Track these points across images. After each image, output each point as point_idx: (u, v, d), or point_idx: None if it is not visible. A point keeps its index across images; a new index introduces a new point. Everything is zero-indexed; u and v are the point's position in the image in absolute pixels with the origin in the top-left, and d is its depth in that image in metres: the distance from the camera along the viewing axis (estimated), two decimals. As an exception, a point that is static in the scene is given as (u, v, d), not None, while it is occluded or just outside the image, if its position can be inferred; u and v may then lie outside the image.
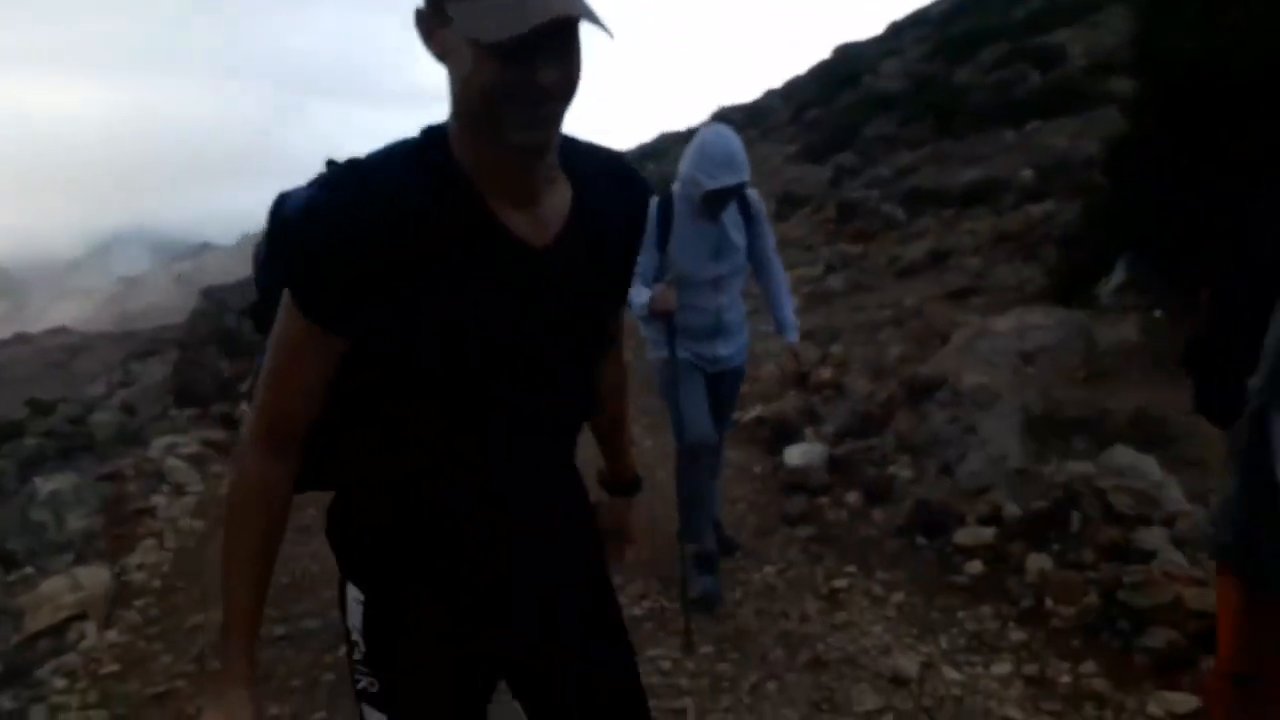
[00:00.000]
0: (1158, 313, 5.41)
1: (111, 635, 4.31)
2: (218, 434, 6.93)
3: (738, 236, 3.77)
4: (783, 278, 3.99)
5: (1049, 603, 3.60)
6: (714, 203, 3.60)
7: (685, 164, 3.62)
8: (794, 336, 3.98)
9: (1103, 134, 8.47)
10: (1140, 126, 5.71)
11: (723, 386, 3.99)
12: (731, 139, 3.55)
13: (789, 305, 4.00)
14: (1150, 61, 5.69)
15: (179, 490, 5.89)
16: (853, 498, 4.76)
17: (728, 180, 3.46)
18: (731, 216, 3.74)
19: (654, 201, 3.42)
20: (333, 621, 4.18)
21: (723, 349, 3.88)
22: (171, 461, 6.17)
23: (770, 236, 3.92)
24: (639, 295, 3.53)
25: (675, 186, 3.71)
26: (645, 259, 3.50)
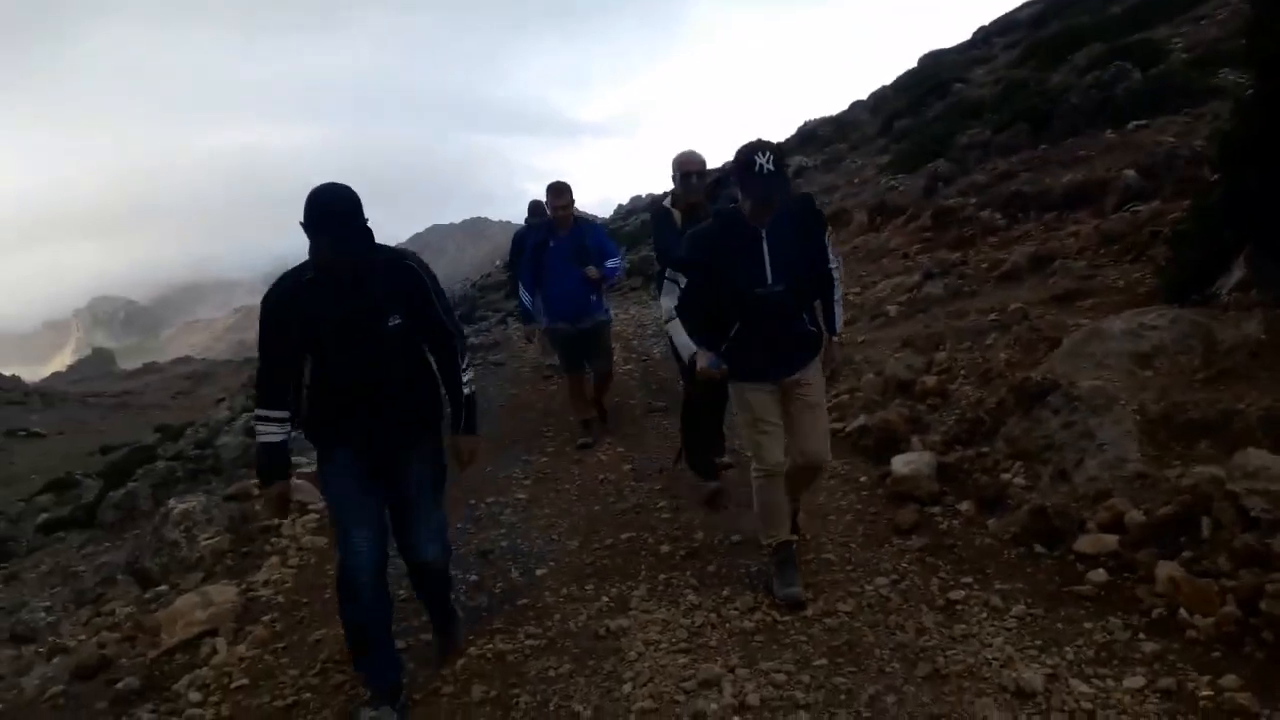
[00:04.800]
0: (1284, 309, 5.13)
1: (240, 650, 4.48)
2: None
3: None
4: None
5: (1183, 613, 3.44)
6: None
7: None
8: None
9: (1210, 129, 8.12)
10: (1255, 120, 5.44)
11: None
12: None
13: None
14: (1265, 51, 5.43)
15: (301, 509, 6.10)
16: (965, 507, 4.64)
17: None
18: None
19: None
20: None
21: None
22: (294, 481, 6.37)
23: None
24: None
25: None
26: None
